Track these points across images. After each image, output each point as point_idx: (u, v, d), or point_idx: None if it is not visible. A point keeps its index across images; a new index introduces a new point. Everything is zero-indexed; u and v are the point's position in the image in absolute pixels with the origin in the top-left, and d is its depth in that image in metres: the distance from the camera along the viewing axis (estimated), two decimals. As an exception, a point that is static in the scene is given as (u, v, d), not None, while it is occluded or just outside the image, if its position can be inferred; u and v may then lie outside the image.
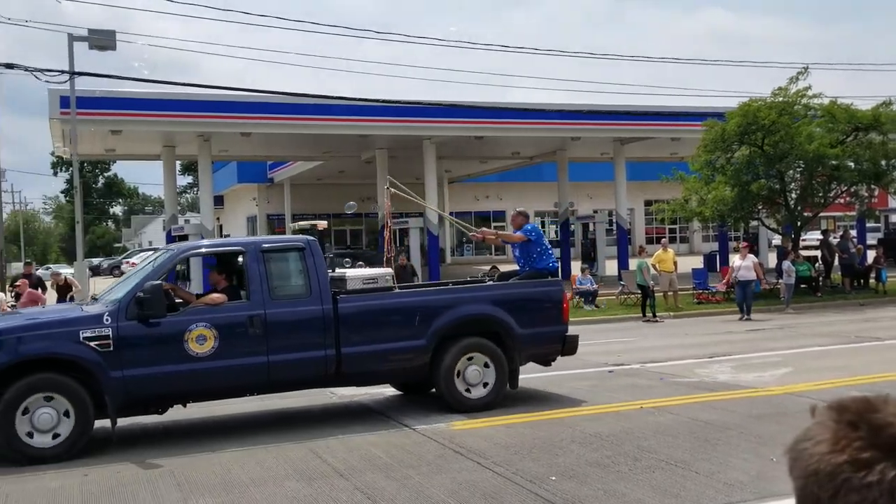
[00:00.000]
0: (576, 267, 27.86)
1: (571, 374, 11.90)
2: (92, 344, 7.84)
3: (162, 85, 22.21)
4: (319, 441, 8.12)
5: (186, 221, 30.84)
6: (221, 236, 48.15)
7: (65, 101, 21.10)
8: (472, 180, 47.01)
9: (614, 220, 32.66)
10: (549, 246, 10.49)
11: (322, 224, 10.09)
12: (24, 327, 8.14)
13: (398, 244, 34.03)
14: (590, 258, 31.61)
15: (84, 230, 21.90)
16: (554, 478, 6.59)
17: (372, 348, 8.93)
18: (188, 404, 8.84)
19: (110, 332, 7.93)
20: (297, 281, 8.97)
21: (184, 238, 25.46)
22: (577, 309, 21.89)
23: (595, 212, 36.96)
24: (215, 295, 8.75)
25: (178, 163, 35.78)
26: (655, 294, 20.49)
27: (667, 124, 28.49)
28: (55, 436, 7.71)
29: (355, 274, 9.59)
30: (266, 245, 9.02)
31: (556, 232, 47.18)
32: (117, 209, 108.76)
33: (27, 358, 7.77)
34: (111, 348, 7.90)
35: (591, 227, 33.69)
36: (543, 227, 53.29)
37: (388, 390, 10.75)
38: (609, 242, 33.49)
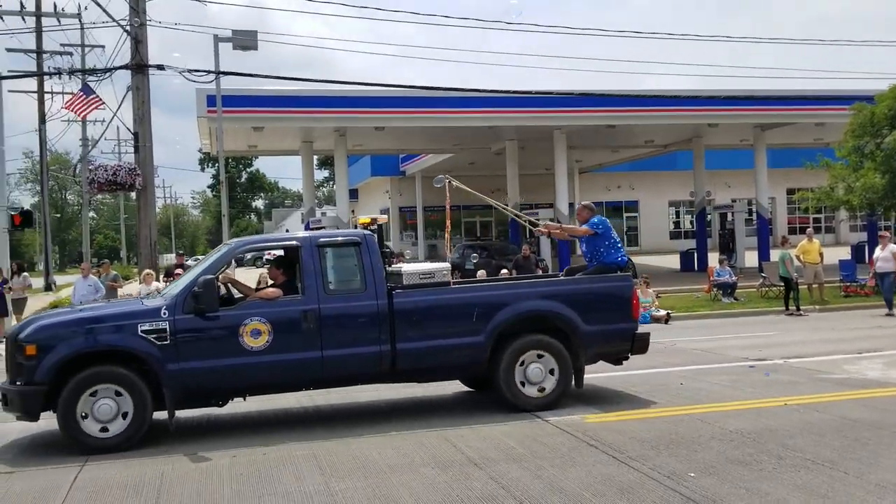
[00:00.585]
0: (713, 258, 27.00)
1: (709, 368, 11.58)
2: (150, 337, 8.06)
3: (300, 82, 22.92)
4: (453, 430, 8.23)
5: (323, 214, 31.82)
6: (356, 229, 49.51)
7: (211, 100, 22.16)
8: (603, 170, 46.32)
9: (754, 210, 31.46)
10: (619, 240, 10.07)
11: (383, 218, 9.89)
12: (86, 320, 8.33)
13: (527, 236, 33.93)
14: (728, 249, 30.57)
15: (229, 223, 22.95)
16: (693, 474, 6.43)
17: (428, 344, 8.78)
18: (250, 397, 8.96)
19: (167, 326, 8.13)
20: (352, 276, 8.91)
21: (320, 230, 26.31)
22: (714, 301, 21.25)
23: (733, 201, 35.69)
24: (270, 290, 8.84)
25: (315, 157, 36.89)
26: (799, 286, 19.64)
27: (811, 108, 27.16)
28: (116, 425, 7.99)
29: (411, 269, 9.29)
30: (322, 239, 9.01)
31: (691, 222, 45.91)
32: (259, 202, 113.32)
33: (87, 350, 8.02)
34: (168, 341, 8.10)
35: (729, 217, 32.57)
36: (678, 217, 51.94)
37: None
38: (748, 233, 32.29)
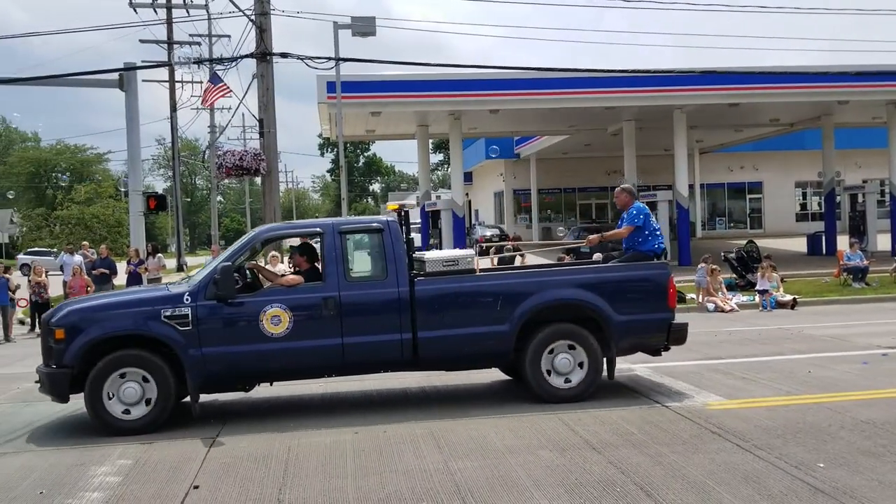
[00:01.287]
0: (842, 242, 25.80)
1: (839, 356, 11.12)
2: (173, 322, 8.20)
3: (416, 66, 23.14)
4: (570, 413, 8.21)
5: (438, 197, 32.09)
6: (470, 212, 49.65)
7: (331, 87, 22.68)
8: (725, 150, 44.85)
9: (887, 191, 29.83)
10: (658, 227, 9.60)
11: (411, 204, 9.79)
12: (112, 305, 8.57)
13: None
14: (859, 232, 29.12)
15: (347, 206, 23.46)
16: (822, 465, 6.21)
17: (450, 333, 8.61)
18: (278, 383, 9.07)
19: (189, 312, 8.24)
20: (374, 263, 8.88)
21: (436, 213, 26.60)
22: (844, 287, 20.33)
23: (865, 181, 33.95)
24: (291, 276, 8.92)
25: (430, 141, 37.23)
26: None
27: (954, 83, 25.46)
28: (142, 407, 8.18)
29: (435, 256, 9.15)
30: (344, 226, 8.89)
31: (819, 204, 43.94)
32: (376, 186, 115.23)
33: (111, 335, 8.19)
34: (190, 327, 8.22)
35: (859, 199, 31.01)
36: (805, 198, 49.80)
37: (635, 364, 10.62)
38: (880, 215, 30.67)
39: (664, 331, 8.99)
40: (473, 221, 49.41)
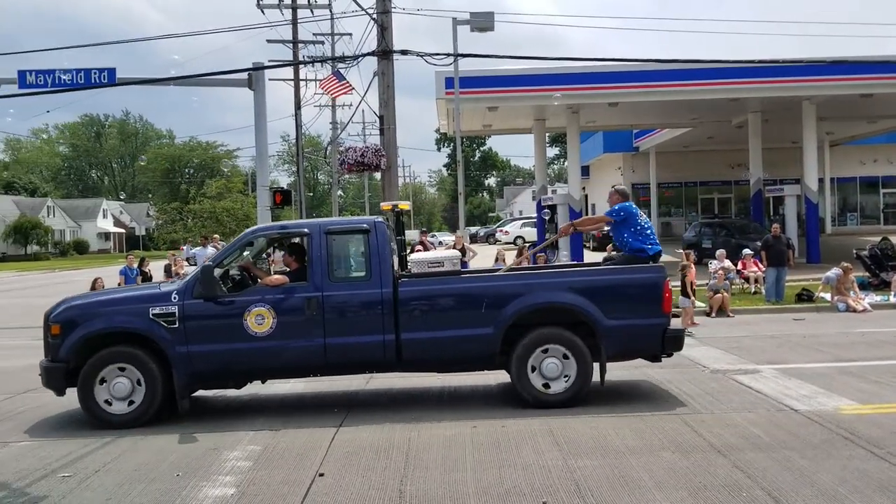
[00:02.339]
0: None
1: None
2: (160, 320, 8.37)
3: (533, 61, 23.02)
4: (693, 415, 8.04)
5: (554, 192, 31.88)
6: (587, 206, 49.09)
7: (449, 82, 22.86)
8: (857, 142, 42.67)
9: None
10: (647, 226, 9.24)
11: (405, 205, 9.59)
12: (105, 303, 8.86)
13: (772, 214, 32.01)
14: None
15: (464, 200, 23.63)
16: (966, 477, 5.88)
17: (434, 335, 8.52)
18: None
19: (176, 310, 8.40)
20: (358, 264, 8.85)
21: (552, 208, 26.41)
22: None
23: None
24: (276, 276, 8.94)
25: (547, 135, 37.01)
26: None
27: None
28: (130, 403, 8.39)
29: (419, 257, 9.05)
30: (331, 227, 8.91)
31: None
32: (491, 181, 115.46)
33: (101, 332, 8.43)
34: (177, 325, 8.37)
35: None
36: (952, 193, 46.87)
37: (761, 366, 10.28)
38: None
39: (658, 337, 8.65)
40: (590, 216, 48.87)
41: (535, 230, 28.89)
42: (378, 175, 22.30)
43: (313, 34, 37.64)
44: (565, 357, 8.55)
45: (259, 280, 8.95)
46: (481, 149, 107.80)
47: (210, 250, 22.39)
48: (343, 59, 23.17)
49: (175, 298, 8.48)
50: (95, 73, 19.30)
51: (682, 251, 16.84)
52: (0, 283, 38.03)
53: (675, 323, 8.95)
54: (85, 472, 6.83)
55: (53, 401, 9.19)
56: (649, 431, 7.47)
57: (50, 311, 8.77)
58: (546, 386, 8.55)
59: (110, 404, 8.38)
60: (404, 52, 19.00)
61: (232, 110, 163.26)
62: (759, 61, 23.18)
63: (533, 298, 8.58)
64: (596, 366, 8.69)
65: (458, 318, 8.59)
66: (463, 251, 19.43)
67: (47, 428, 8.55)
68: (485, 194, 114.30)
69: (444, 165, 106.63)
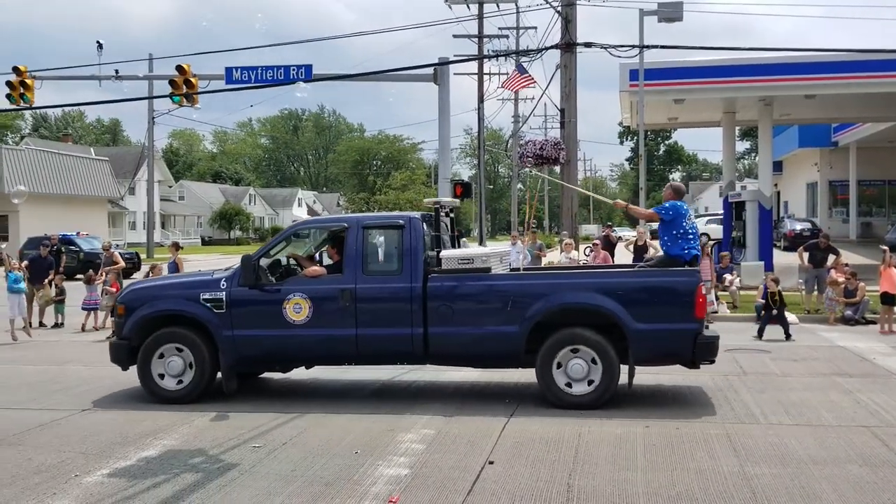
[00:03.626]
0: None
1: None
2: (209, 305, 8.96)
3: (722, 51, 22.17)
4: (886, 427, 7.54)
5: (743, 188, 30.58)
6: (779, 204, 46.74)
7: (633, 74, 22.39)
8: None
9: None
10: (690, 230, 8.94)
11: (447, 201, 9.36)
12: (163, 287, 9.76)
13: None
14: None
15: (645, 196, 23.14)
16: None
17: (461, 330, 8.65)
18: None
19: (224, 296, 8.95)
20: (391, 258, 9.02)
21: (741, 205, 25.34)
22: None
23: None
24: (315, 267, 9.27)
25: (737, 128, 35.51)
26: None
27: None
28: (179, 381, 9.02)
29: (450, 254, 9.03)
30: (368, 222, 9.22)
31: None
32: (676, 175, 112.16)
33: (157, 314, 9.15)
34: (223, 310, 8.92)
35: None
36: None
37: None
38: None
39: (689, 343, 8.41)
40: (782, 214, 46.41)
41: (720, 227, 27.78)
42: (558, 168, 22.27)
43: (498, 28, 38.11)
44: (593, 360, 8.50)
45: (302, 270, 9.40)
46: (666, 142, 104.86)
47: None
48: (527, 52, 23.30)
49: (224, 285, 9.09)
50: (294, 70, 20.45)
51: (884, 250, 15.71)
52: (206, 264, 41.07)
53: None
54: (273, 443, 7.32)
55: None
56: (834, 441, 7.09)
57: (119, 293, 9.62)
58: (570, 386, 8.56)
59: (163, 378, 9.10)
60: (588, 45, 18.88)
61: (417, 104, 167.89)
62: (981, 48, 21.15)
63: (560, 299, 8.61)
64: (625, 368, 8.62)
65: (485, 315, 8.74)
66: (645, 247, 19.07)
67: (240, 400, 9.18)
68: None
69: (627, 159, 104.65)
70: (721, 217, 26.28)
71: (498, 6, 34.44)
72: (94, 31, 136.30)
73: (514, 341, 8.61)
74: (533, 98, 53.74)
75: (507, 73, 24.80)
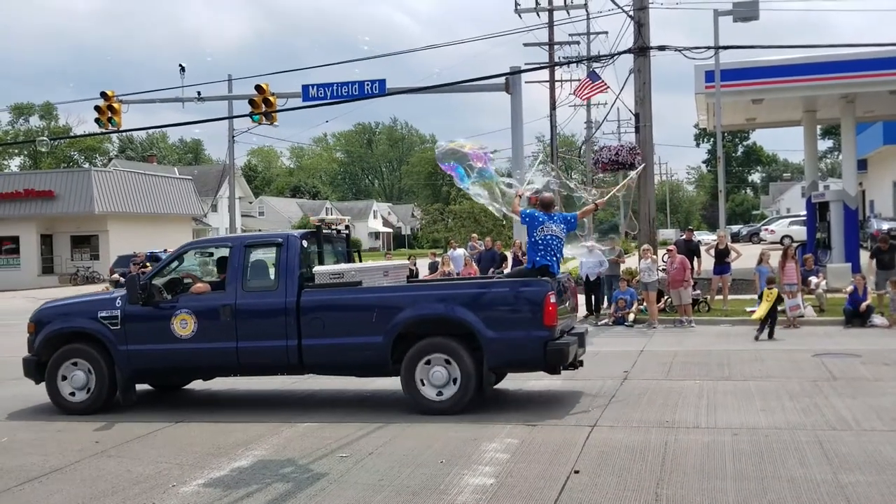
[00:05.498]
0: None
1: None
2: (105, 322, 9.57)
3: (801, 49, 21.64)
4: None
5: (827, 187, 29.71)
6: (864, 203, 45.25)
7: (709, 76, 22.04)
8: None
9: None
10: (541, 239, 9.22)
11: (331, 219, 10.46)
12: (67, 306, 10.30)
13: None
14: None
15: (724, 198, 22.70)
16: None
17: (332, 341, 9.06)
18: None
19: (118, 313, 9.56)
20: (269, 274, 9.54)
21: (824, 205, 24.64)
22: None
23: None
24: (200, 284, 9.87)
25: (818, 127, 34.54)
26: None
27: None
28: (88, 392, 9.62)
29: (323, 269, 9.53)
30: (250, 241, 9.88)
31: None
32: (755, 177, 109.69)
33: (61, 331, 9.78)
34: (119, 326, 9.53)
35: None
36: None
37: None
38: None
39: (539, 349, 8.70)
40: (868, 214, 44.87)
41: (804, 229, 27.06)
42: (633, 174, 22.02)
43: (569, 35, 37.85)
44: (451, 366, 8.84)
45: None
46: (744, 143, 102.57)
47: (459, 251, 23.32)
48: (598, 58, 23.17)
49: (118, 303, 9.69)
50: (368, 85, 20.79)
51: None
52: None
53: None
54: (360, 453, 7.46)
55: (335, 384, 10.10)
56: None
57: (33, 313, 10.34)
58: (431, 392, 8.92)
59: (69, 393, 9.70)
60: (661, 48, 18.69)
61: (487, 113, 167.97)
62: None
63: (418, 310, 9.01)
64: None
65: (353, 326, 9.13)
66: (726, 251, 18.73)
67: (325, 411, 9.39)
68: (748, 191, 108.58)
69: (704, 161, 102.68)
70: (804, 218, 25.58)
71: (568, 13, 34.33)
72: (176, 54, 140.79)
73: (380, 351, 9.04)
74: (606, 103, 53.38)
75: (579, 80, 24.67)
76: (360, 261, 11.16)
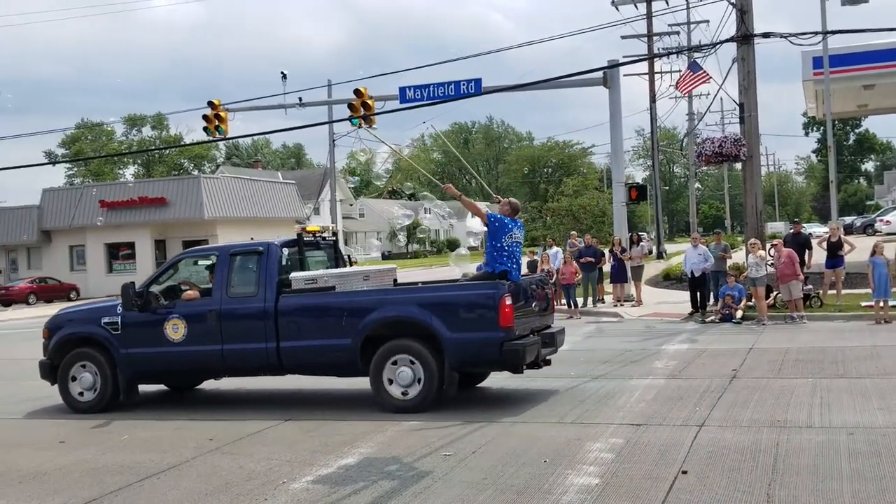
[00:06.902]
0: None
1: None
2: (108, 327, 10.33)
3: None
4: None
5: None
6: None
7: (817, 62, 21.26)
8: None
9: None
10: (507, 246, 9.40)
11: (314, 228, 10.99)
12: (76, 312, 11.04)
13: None
14: None
15: (836, 188, 21.81)
16: None
17: (305, 343, 9.60)
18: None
19: (119, 319, 10.29)
20: (250, 281, 10.02)
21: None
22: None
23: None
24: (189, 292, 10.40)
25: (938, 111, 32.75)
26: None
27: None
28: (96, 391, 10.36)
29: (298, 275, 9.93)
30: (234, 250, 10.37)
31: None
32: (868, 165, 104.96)
33: (70, 336, 10.59)
34: (119, 331, 10.27)
35: None
36: None
37: None
38: None
39: (496, 350, 8.97)
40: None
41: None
42: (738, 165, 21.42)
43: (668, 25, 37.05)
44: (416, 367, 9.20)
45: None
46: (856, 131, 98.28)
47: (554, 250, 23.16)
48: (699, 48, 22.61)
49: (119, 310, 10.35)
50: (464, 85, 20.89)
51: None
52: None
53: None
54: (463, 452, 7.51)
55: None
56: None
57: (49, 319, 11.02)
58: (397, 392, 9.29)
59: (78, 393, 10.47)
60: (766, 35, 18.09)
61: (584, 108, 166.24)
62: None
63: (383, 312, 9.41)
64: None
65: (325, 329, 9.61)
66: (839, 244, 17.99)
67: (430, 410, 9.43)
68: (861, 180, 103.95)
69: (813, 151, 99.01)
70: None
71: (667, 3, 33.67)
72: (278, 61, 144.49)
73: (350, 352, 9.46)
74: (708, 94, 51.94)
75: (680, 71, 24.13)
76: (351, 265, 11.57)
